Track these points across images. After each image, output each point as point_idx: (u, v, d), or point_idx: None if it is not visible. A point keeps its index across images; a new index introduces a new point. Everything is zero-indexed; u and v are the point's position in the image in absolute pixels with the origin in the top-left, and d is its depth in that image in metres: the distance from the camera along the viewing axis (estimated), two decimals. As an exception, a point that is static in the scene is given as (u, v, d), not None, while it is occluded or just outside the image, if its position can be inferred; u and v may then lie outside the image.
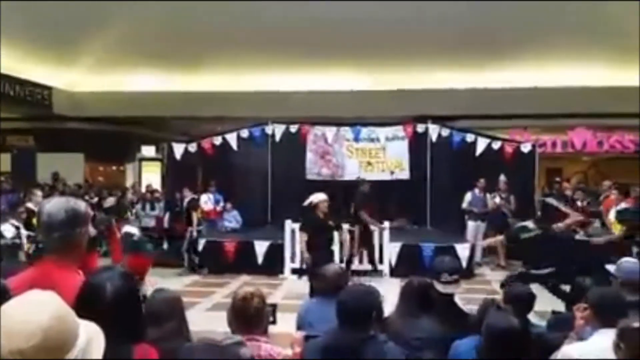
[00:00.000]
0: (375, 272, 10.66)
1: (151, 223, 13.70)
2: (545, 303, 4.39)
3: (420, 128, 13.53)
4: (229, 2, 12.67)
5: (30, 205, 9.47)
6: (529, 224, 7.88)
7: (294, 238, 11.17)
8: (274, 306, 3.28)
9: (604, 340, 2.84)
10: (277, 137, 13.72)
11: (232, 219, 13.31)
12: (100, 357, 1.52)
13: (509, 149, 13.10)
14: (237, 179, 13.73)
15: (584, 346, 2.94)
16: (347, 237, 10.65)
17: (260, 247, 11.37)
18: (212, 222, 13.24)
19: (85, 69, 16.11)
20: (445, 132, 13.39)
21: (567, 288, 4.77)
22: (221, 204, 13.23)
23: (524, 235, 7.56)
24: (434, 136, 13.39)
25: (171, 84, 16.28)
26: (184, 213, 12.02)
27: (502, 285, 4.51)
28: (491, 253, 12.58)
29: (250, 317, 2.90)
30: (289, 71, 15.54)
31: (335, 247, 10.11)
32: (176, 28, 14.00)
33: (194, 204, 12.07)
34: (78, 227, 2.35)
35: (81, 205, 2.41)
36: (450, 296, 3.95)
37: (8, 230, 8.40)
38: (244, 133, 13.80)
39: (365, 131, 13.68)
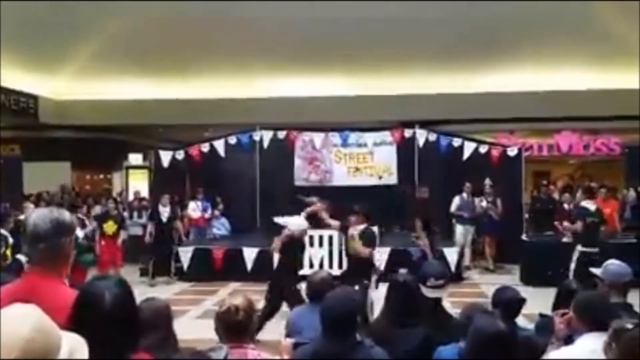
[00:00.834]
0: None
1: (139, 231, 13.59)
2: (534, 306, 4.40)
3: (407, 133, 13.58)
4: (215, 9, 12.67)
5: (22, 217, 9.46)
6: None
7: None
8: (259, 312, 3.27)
9: (590, 344, 2.85)
10: (265, 144, 13.72)
11: (221, 226, 13.28)
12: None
13: (495, 152, 13.17)
14: (226, 186, 13.70)
15: (571, 350, 2.95)
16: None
17: (249, 254, 11.35)
18: (201, 229, 13.20)
19: (71, 77, 16.03)
20: (432, 137, 13.44)
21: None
22: (209, 211, 13.19)
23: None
24: (421, 141, 13.44)
25: (158, 91, 16.21)
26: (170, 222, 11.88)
27: None
28: (480, 257, 12.64)
29: (236, 327, 2.89)
30: (276, 77, 15.54)
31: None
32: (162, 35, 13.96)
33: (176, 214, 12.02)
34: (63, 237, 2.33)
35: (66, 215, 2.39)
36: (437, 300, 3.95)
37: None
38: (232, 140, 13.78)
39: (353, 136, 13.72)
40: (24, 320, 1.41)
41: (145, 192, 15.42)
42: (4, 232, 9.18)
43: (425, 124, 13.93)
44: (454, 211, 12.26)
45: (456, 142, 13.30)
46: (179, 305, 8.74)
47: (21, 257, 8.87)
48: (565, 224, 9.34)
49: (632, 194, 13.31)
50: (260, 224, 13.25)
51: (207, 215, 13.18)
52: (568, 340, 3.13)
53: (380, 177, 13.47)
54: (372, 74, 15.16)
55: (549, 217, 11.88)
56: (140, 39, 14.02)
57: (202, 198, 13.15)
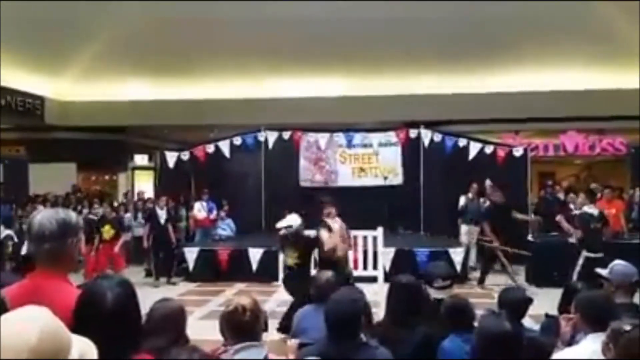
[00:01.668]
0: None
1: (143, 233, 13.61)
2: (540, 306, 4.39)
3: (412, 133, 13.58)
4: (219, 10, 12.69)
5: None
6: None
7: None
8: (264, 313, 3.26)
9: (594, 344, 2.84)
10: (270, 144, 13.74)
11: (226, 227, 13.29)
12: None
13: (501, 153, 13.14)
14: (231, 187, 13.72)
15: (575, 351, 2.94)
16: None
17: (255, 255, 11.35)
18: (206, 230, 13.22)
19: (76, 78, 16.07)
20: (437, 137, 13.43)
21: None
22: (214, 212, 13.20)
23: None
24: (426, 141, 13.44)
25: (163, 92, 16.23)
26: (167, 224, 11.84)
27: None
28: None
29: (242, 328, 2.89)
30: (281, 78, 15.55)
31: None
32: (167, 36, 14.00)
33: (172, 217, 12.00)
34: (69, 237, 2.34)
35: (72, 215, 2.40)
36: (443, 301, 3.95)
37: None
38: (237, 140, 13.80)
39: (358, 137, 13.72)
40: (33, 323, 1.40)
41: (150, 193, 15.43)
42: (10, 232, 9.25)
43: (430, 125, 13.93)
44: (460, 210, 12.23)
45: (461, 142, 13.28)
46: (184, 305, 8.74)
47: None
48: (564, 223, 9.31)
49: (638, 194, 13.26)
50: (266, 225, 13.26)
51: (212, 216, 13.19)
52: (571, 341, 3.12)
53: (385, 178, 13.47)
54: (377, 74, 15.15)
55: (554, 217, 11.83)
56: (145, 40, 14.05)
57: (207, 199, 13.17)
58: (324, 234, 7.33)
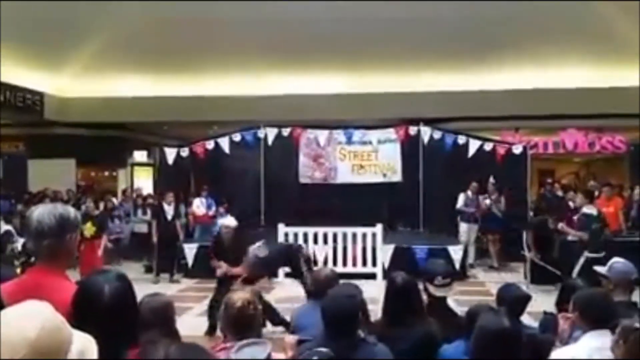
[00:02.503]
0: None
1: (143, 229, 13.61)
2: (539, 304, 4.40)
3: (412, 130, 13.58)
4: (218, 7, 12.67)
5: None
6: None
7: (287, 241, 11.18)
8: (262, 309, 3.27)
9: (593, 342, 2.85)
10: (270, 141, 13.74)
11: (225, 223, 13.26)
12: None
13: (500, 150, 13.14)
14: (230, 183, 13.72)
15: (574, 349, 2.94)
16: None
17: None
18: (205, 226, 13.20)
19: (76, 74, 16.05)
20: (437, 135, 13.43)
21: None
22: (213, 208, 13.20)
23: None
24: (425, 138, 13.44)
25: (162, 88, 16.22)
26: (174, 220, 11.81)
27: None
28: (484, 255, 12.63)
29: (244, 324, 2.89)
30: (280, 75, 15.53)
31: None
32: (167, 33, 13.98)
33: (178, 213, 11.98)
34: (68, 233, 2.34)
35: (70, 211, 2.39)
36: (444, 299, 3.95)
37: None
38: (236, 137, 13.80)
39: (357, 134, 13.72)
40: (33, 319, 1.40)
41: (150, 189, 15.44)
42: (9, 228, 9.22)
43: (429, 122, 13.92)
44: (459, 208, 12.25)
45: (461, 139, 13.28)
46: (182, 302, 8.76)
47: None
48: (567, 229, 9.31)
49: (637, 191, 13.25)
50: (265, 221, 13.28)
51: (211, 213, 13.18)
52: (569, 339, 3.13)
53: (384, 175, 13.46)
54: (377, 71, 15.14)
55: (553, 215, 11.84)
56: (145, 37, 14.03)
57: (207, 195, 13.16)
58: None
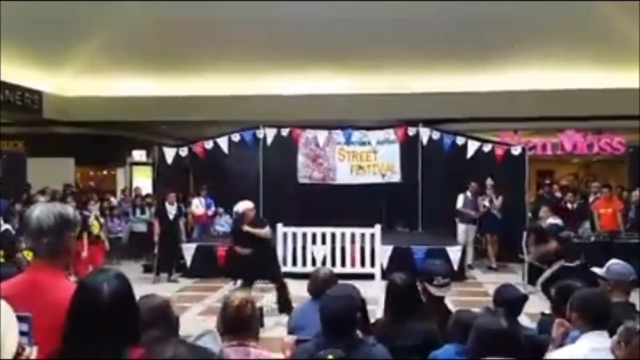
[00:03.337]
0: None
1: (142, 228, 13.62)
2: (537, 305, 4.41)
3: (411, 131, 13.59)
4: (217, 6, 12.67)
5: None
6: None
7: (286, 241, 11.20)
8: (261, 309, 3.28)
9: (591, 342, 2.86)
10: (269, 141, 13.75)
11: (224, 223, 13.29)
12: (16, 338, 1.49)
13: (499, 151, 13.15)
14: (229, 183, 13.72)
15: (572, 350, 2.95)
16: None
17: (252, 251, 11.33)
18: (204, 226, 13.22)
19: (75, 73, 16.03)
20: (436, 135, 13.44)
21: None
22: (212, 208, 13.21)
23: None
24: (425, 139, 13.45)
25: (162, 88, 16.20)
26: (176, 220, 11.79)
27: None
28: (482, 255, 12.64)
29: (241, 324, 2.89)
30: (280, 75, 15.52)
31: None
32: (166, 33, 13.97)
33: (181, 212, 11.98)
34: (66, 231, 2.34)
35: (69, 209, 2.40)
36: (442, 299, 3.97)
37: None
38: (236, 137, 13.81)
39: (356, 134, 13.73)
40: None
41: (149, 189, 15.44)
42: (8, 226, 9.21)
43: (428, 123, 13.93)
44: (458, 209, 12.26)
45: (460, 140, 13.29)
46: (181, 301, 8.78)
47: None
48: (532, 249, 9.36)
49: (636, 193, 13.26)
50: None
51: (210, 212, 13.20)
52: (563, 343, 3.14)
53: (383, 175, 13.47)
54: (376, 72, 15.13)
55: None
56: (144, 36, 14.02)
57: (206, 195, 13.17)
58: None
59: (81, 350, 1.77)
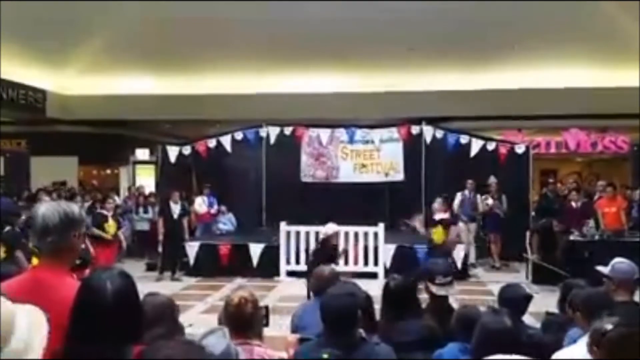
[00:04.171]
0: None
1: (145, 227, 13.63)
2: (541, 304, 4.40)
3: (414, 130, 13.55)
4: (220, 6, 12.66)
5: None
6: None
7: (289, 240, 11.20)
8: (266, 308, 3.27)
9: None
10: (272, 140, 13.73)
11: (227, 222, 13.30)
12: (45, 343, 1.49)
13: (503, 150, 13.12)
14: (232, 182, 13.74)
15: (573, 350, 2.94)
16: None
17: (255, 250, 11.37)
18: (207, 224, 13.22)
19: (78, 72, 16.06)
20: (439, 134, 13.41)
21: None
22: (215, 206, 13.21)
23: None
24: (428, 138, 13.41)
25: (165, 87, 16.23)
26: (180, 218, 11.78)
27: None
28: (485, 254, 12.61)
29: (243, 322, 2.89)
30: (283, 74, 15.53)
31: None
32: (169, 32, 13.98)
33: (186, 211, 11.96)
34: (72, 231, 2.34)
35: (75, 209, 2.40)
36: (445, 298, 3.96)
37: None
38: (238, 135, 13.79)
39: (359, 133, 13.70)
40: None
41: (152, 188, 15.44)
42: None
43: (432, 121, 13.91)
44: (455, 208, 12.20)
45: (463, 139, 13.25)
46: (184, 300, 8.76)
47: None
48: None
49: (638, 192, 13.22)
50: (267, 220, 13.29)
51: (213, 211, 13.20)
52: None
53: (386, 174, 13.44)
54: (379, 70, 15.13)
55: (554, 215, 11.82)
56: (146, 35, 14.02)
57: (209, 194, 13.17)
58: None
59: (85, 349, 1.77)
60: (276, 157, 13.62)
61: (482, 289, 9.89)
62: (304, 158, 13.69)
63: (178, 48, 14.64)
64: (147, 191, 14.87)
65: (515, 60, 14.65)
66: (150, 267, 11.86)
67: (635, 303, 3.76)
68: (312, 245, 11.06)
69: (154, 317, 2.86)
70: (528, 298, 3.79)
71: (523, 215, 12.36)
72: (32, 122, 16.94)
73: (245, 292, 3.07)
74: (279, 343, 3.42)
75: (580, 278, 4.13)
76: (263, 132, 13.75)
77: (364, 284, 3.79)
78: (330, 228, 7.81)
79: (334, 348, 2.76)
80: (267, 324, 3.22)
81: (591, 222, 10.73)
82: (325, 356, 2.58)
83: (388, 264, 10.90)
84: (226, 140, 13.72)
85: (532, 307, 3.83)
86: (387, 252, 11.02)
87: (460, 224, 12.13)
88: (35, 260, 9.90)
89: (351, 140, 13.65)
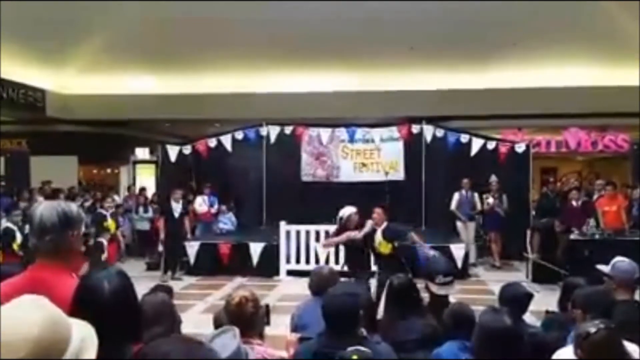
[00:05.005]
0: None
1: (146, 226, 13.64)
2: (542, 303, 4.39)
3: (415, 129, 13.55)
4: (220, 6, 12.65)
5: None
6: None
7: (289, 239, 11.19)
8: (267, 307, 3.27)
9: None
10: (272, 139, 13.73)
11: (227, 221, 13.30)
12: (94, 357, 1.50)
13: (503, 149, 13.11)
14: (232, 181, 13.74)
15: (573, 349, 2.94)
16: None
17: (255, 249, 11.37)
18: (207, 224, 13.22)
19: (78, 71, 16.05)
20: (439, 133, 13.41)
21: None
22: (216, 206, 13.21)
23: None
24: (428, 137, 13.42)
25: (165, 86, 16.22)
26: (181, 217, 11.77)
27: None
28: (486, 254, 12.60)
29: (244, 321, 2.88)
30: (283, 73, 15.52)
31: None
32: (169, 31, 13.96)
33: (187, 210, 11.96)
34: (70, 230, 2.33)
35: (73, 207, 2.39)
36: (446, 297, 3.96)
37: None
38: (239, 135, 13.79)
39: (360, 132, 13.70)
40: (32, 316, 1.38)
41: (152, 187, 15.45)
42: (10, 225, 9.24)
43: (432, 120, 13.90)
44: (453, 208, 12.20)
45: (464, 138, 13.25)
46: (185, 299, 8.78)
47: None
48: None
49: (638, 190, 13.21)
50: (267, 219, 13.29)
51: (213, 210, 13.19)
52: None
53: (386, 173, 13.42)
54: (379, 69, 15.12)
55: (555, 214, 11.81)
56: (146, 35, 14.01)
57: (209, 193, 13.17)
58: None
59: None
60: (276, 156, 13.62)
61: (482, 288, 9.89)
62: (304, 157, 13.69)
63: (178, 48, 14.63)
64: (149, 194, 14.88)
65: (516, 59, 14.65)
66: (150, 267, 11.86)
67: (636, 302, 3.76)
68: (312, 245, 11.10)
69: (153, 316, 2.86)
70: (529, 297, 3.78)
71: (523, 214, 12.35)
72: (32, 121, 16.93)
73: (245, 291, 3.07)
74: (279, 342, 3.42)
75: (580, 277, 4.12)
76: (263, 132, 13.75)
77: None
78: (348, 210, 7.75)
79: (336, 347, 2.76)
80: (268, 323, 3.23)
81: (592, 221, 10.71)
82: (354, 357, 2.57)
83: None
84: (226, 140, 13.72)
85: (532, 306, 3.82)
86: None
87: (459, 224, 12.14)
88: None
89: (351, 140, 13.65)
